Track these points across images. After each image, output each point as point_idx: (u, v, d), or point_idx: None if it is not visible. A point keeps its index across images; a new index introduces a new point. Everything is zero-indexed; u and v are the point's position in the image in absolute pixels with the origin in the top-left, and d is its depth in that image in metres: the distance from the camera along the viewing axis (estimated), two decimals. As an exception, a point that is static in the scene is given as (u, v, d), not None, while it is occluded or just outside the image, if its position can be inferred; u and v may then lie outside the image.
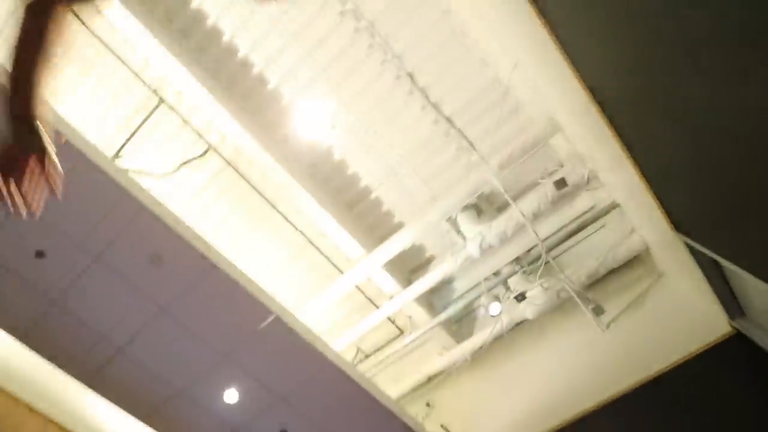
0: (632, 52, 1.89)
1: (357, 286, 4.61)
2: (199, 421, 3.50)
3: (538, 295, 3.77)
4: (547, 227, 4.06)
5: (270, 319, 2.87)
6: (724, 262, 2.35)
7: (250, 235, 4.53)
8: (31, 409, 3.67)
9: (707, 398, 2.80)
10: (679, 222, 2.66)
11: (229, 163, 4.08)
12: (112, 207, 2.55)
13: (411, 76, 3.86)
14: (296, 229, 4.41)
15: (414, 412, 4.08)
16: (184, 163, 3.40)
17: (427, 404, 4.51)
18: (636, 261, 3.85)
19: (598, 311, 3.48)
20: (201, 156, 3.61)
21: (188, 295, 2.84)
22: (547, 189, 3.51)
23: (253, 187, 4.22)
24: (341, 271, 4.56)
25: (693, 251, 2.66)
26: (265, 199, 4.26)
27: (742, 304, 2.83)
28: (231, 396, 3.24)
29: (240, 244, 4.52)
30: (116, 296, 2.89)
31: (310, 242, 4.50)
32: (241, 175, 4.17)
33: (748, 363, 2.81)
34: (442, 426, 3.96)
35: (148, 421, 3.60)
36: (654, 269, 3.73)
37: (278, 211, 4.31)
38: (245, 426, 3.42)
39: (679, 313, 3.30)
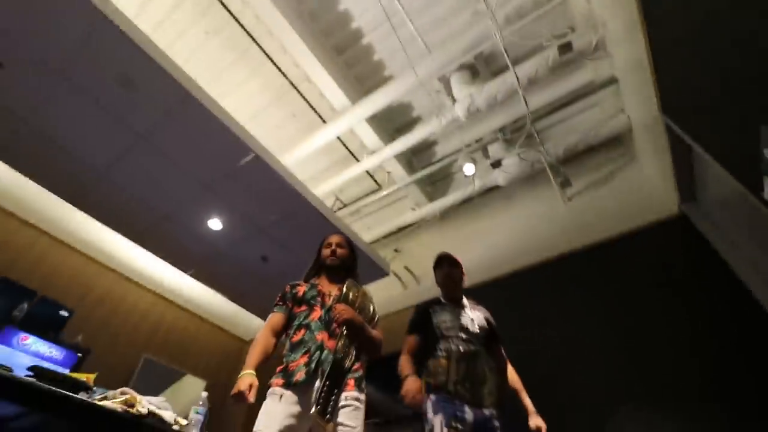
0: None
1: (339, 138, 4.60)
2: (187, 244, 3.83)
3: (513, 163, 3.88)
4: (539, 98, 3.94)
5: (249, 157, 2.91)
6: (695, 146, 2.43)
7: (229, 72, 4.23)
8: (24, 222, 3.90)
9: (637, 268, 3.19)
10: (667, 103, 2.64)
11: (202, -21, 3.54)
12: (69, 18, 2.27)
13: None
14: (278, 69, 4.12)
15: (383, 255, 4.57)
16: (148, -30, 2.90)
17: (396, 250, 5.02)
18: (615, 142, 3.90)
19: (564, 184, 3.66)
20: (167, -36, 3.07)
21: (165, 123, 2.78)
22: (550, 53, 3.27)
23: (231, 14, 3.76)
24: (324, 121, 4.48)
25: (671, 134, 2.71)
26: (245, 29, 3.85)
27: (696, 189, 3.04)
28: (215, 224, 3.50)
29: (219, 79, 4.25)
30: (88, 119, 2.81)
31: (293, 86, 4.27)
32: (217, -2, 3.67)
33: (685, 243, 3.11)
34: (405, 267, 4.50)
35: (140, 241, 3.92)
36: (628, 152, 3.82)
37: (259, 46, 3.96)
38: (230, 250, 3.79)
39: (637, 193, 3.53)
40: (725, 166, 2.27)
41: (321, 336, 1.66)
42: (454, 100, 3.95)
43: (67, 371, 3.43)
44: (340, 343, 1.63)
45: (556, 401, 2.88)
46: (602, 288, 3.23)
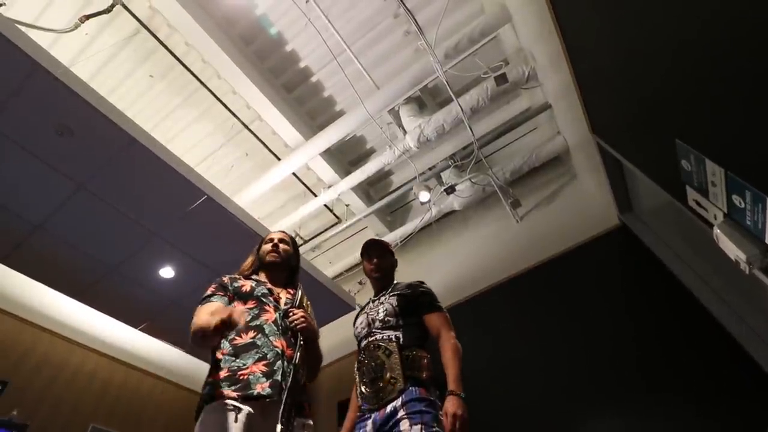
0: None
1: (295, 174, 4.60)
2: (137, 297, 3.59)
3: (466, 188, 4.04)
4: (483, 126, 4.19)
5: (200, 200, 2.83)
6: (625, 162, 2.65)
7: (177, 114, 4.17)
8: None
9: (589, 277, 3.36)
10: (596, 124, 2.89)
11: (144, 25, 3.52)
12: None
13: (358, -63, 3.38)
14: (229, 110, 4.11)
15: (347, 288, 4.51)
16: (87, 17, 2.85)
17: (360, 282, 4.97)
18: (556, 161, 4.19)
19: (515, 204, 3.85)
20: (106, 11, 3.04)
21: (108, 171, 2.66)
22: (488, 84, 3.52)
23: (176, 58, 3.75)
24: (278, 158, 4.47)
25: (602, 152, 2.95)
26: (191, 72, 3.84)
27: (632, 200, 3.30)
28: (167, 272, 3.32)
29: (167, 122, 4.17)
30: (21, 169, 2.64)
31: (245, 126, 4.26)
32: (161, 42, 3.65)
33: (627, 251, 3.34)
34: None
35: (83, 298, 3.63)
36: (569, 170, 4.10)
37: (207, 88, 3.95)
38: (185, 299, 3.58)
39: (581, 208, 3.77)
40: (652, 178, 2.50)
41: (279, 343, 1.41)
42: (404, 131, 4.10)
43: (-1, 454, 3.02)
44: (298, 355, 1.40)
45: (525, 408, 2.93)
46: (559, 300, 3.36)
